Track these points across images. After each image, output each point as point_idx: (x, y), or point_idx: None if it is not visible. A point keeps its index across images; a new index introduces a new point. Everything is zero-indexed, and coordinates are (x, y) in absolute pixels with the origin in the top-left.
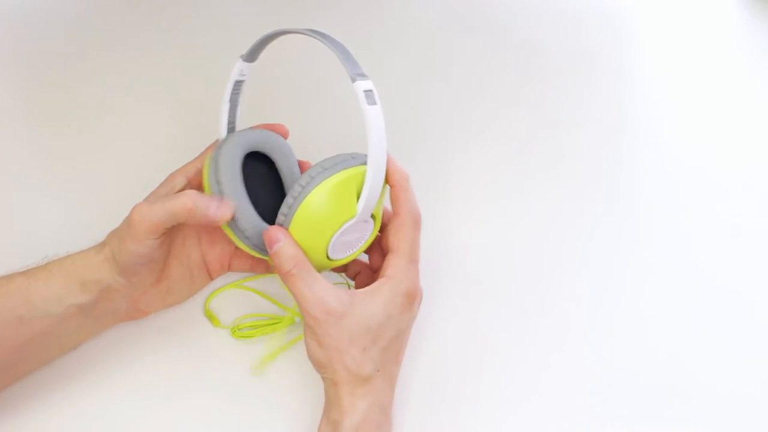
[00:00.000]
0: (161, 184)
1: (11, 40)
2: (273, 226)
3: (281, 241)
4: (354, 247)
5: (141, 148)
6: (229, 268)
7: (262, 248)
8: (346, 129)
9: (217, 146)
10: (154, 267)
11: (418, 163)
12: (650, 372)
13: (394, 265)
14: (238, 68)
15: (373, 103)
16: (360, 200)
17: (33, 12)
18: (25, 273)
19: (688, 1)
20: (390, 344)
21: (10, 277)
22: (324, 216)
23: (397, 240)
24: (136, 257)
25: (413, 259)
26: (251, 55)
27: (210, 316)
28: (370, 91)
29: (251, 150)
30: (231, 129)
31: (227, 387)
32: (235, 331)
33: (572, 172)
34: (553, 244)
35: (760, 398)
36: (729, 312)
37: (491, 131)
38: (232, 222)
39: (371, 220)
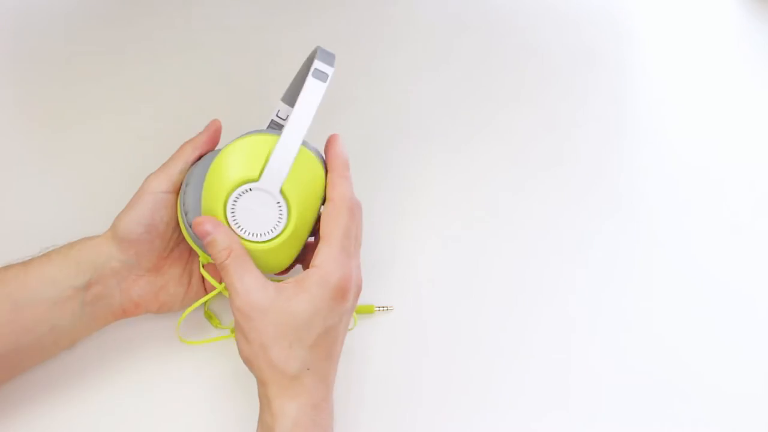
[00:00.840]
0: (173, 157)
1: (11, 40)
2: (203, 216)
3: (212, 232)
4: (265, 227)
5: (141, 148)
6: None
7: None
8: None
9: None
10: (154, 241)
11: (417, 162)
12: (650, 371)
13: (322, 255)
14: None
15: (320, 79)
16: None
17: (33, 12)
18: (24, 262)
19: (688, 1)
20: (319, 341)
21: (6, 267)
22: (225, 175)
23: (328, 228)
24: (138, 221)
25: (345, 249)
26: (291, 99)
27: (210, 317)
28: (325, 73)
29: None
30: None
31: (227, 387)
32: (234, 332)
33: (572, 172)
34: (552, 243)
35: (762, 397)
36: (730, 311)
37: (491, 131)
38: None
39: (284, 201)
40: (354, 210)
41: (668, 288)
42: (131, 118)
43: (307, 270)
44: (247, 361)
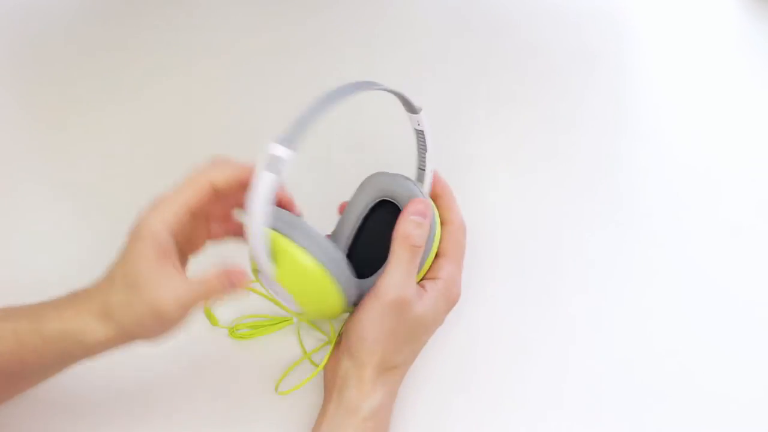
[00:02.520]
0: (183, 187)
1: (11, 40)
2: (423, 200)
3: (429, 218)
4: None
5: (141, 148)
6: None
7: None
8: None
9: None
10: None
11: (416, 162)
12: (650, 371)
13: (447, 269)
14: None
15: (275, 171)
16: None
17: (33, 12)
18: (16, 333)
19: (688, 1)
20: (422, 343)
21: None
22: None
23: (450, 245)
24: (159, 337)
25: (461, 266)
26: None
27: (209, 315)
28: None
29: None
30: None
31: (224, 387)
32: (233, 332)
33: (572, 172)
34: (552, 243)
35: (761, 398)
36: (729, 311)
37: (491, 131)
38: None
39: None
40: (465, 230)
41: (668, 287)
42: (131, 117)
43: (434, 281)
44: (362, 342)
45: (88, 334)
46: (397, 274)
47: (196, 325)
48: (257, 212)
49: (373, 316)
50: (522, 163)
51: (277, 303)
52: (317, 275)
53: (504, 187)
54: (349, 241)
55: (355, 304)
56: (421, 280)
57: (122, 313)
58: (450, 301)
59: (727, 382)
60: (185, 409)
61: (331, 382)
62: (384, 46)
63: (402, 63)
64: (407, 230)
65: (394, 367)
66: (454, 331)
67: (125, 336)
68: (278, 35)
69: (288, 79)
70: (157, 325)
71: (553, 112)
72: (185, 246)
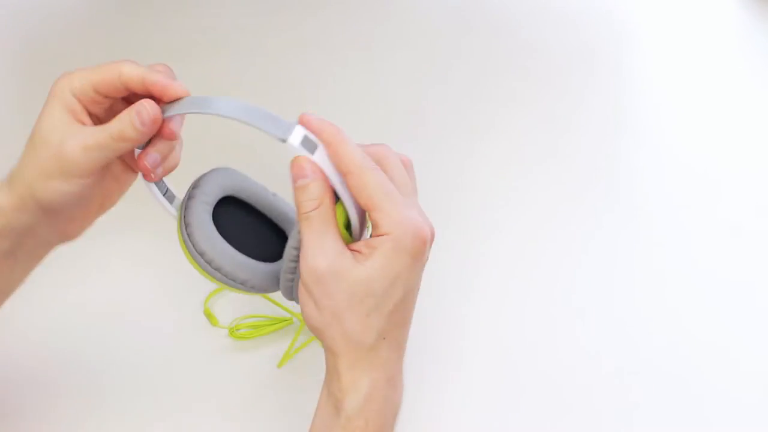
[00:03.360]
0: (49, 103)
1: (11, 40)
2: (304, 157)
3: (309, 176)
4: None
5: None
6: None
7: (246, 283)
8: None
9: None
10: (87, 202)
11: (418, 162)
12: (650, 370)
13: (383, 219)
14: None
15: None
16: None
17: (33, 13)
18: None
19: (688, 1)
20: (398, 307)
21: None
22: None
23: (366, 196)
24: (65, 197)
25: (397, 203)
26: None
27: (209, 315)
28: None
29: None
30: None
31: (224, 386)
32: (233, 332)
33: (571, 171)
34: (550, 242)
35: (760, 396)
36: (729, 310)
37: (491, 131)
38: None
39: None
40: (369, 166)
41: (667, 287)
42: None
43: (377, 238)
44: (316, 331)
45: None
46: (305, 252)
47: (196, 325)
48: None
49: (307, 302)
50: (522, 162)
51: (276, 303)
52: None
53: (504, 187)
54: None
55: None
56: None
57: (25, 172)
58: (415, 249)
59: (727, 381)
60: (185, 408)
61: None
62: (384, 46)
63: (402, 63)
64: (296, 201)
65: (372, 348)
66: (453, 330)
67: (29, 199)
68: (279, 35)
69: (288, 79)
70: (61, 172)
71: (553, 112)
72: (103, 120)
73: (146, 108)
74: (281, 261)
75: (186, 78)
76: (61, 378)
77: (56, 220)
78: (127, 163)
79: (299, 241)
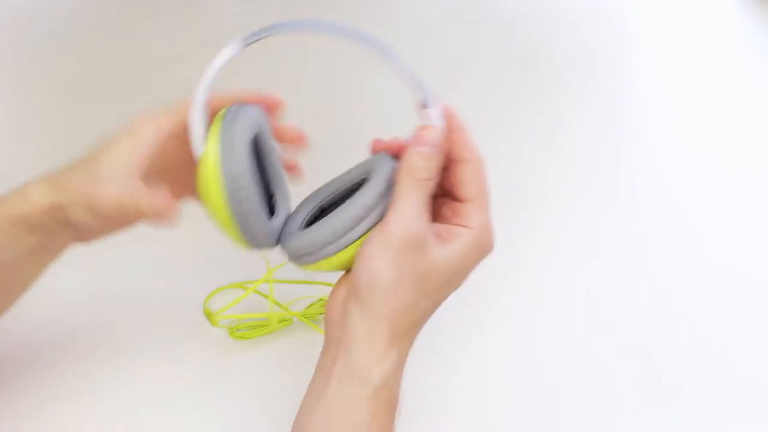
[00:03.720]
0: (127, 134)
1: (11, 41)
2: (434, 127)
3: (437, 149)
4: None
5: None
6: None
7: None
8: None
9: (226, 127)
10: (110, 226)
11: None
12: (650, 369)
13: (477, 218)
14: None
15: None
16: None
17: (33, 13)
18: None
19: (688, 1)
20: (443, 299)
21: None
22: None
23: (475, 189)
24: (87, 226)
25: (489, 211)
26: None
27: (208, 315)
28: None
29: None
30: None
31: (224, 386)
32: (233, 332)
33: (572, 170)
34: (551, 242)
35: (761, 397)
36: (729, 310)
37: (492, 131)
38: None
39: None
40: (483, 161)
41: (668, 286)
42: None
43: (462, 228)
44: (371, 285)
45: (28, 196)
46: (404, 211)
47: (195, 325)
48: (200, 92)
49: (382, 256)
50: (522, 162)
51: (277, 303)
52: (210, 167)
53: (503, 186)
54: (319, 202)
55: (272, 245)
56: (441, 224)
57: (74, 186)
58: (482, 253)
59: (728, 381)
60: (185, 409)
61: (336, 333)
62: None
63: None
64: (412, 163)
65: (412, 326)
66: (454, 330)
67: (67, 207)
68: (279, 36)
69: (289, 79)
70: (91, 209)
71: (554, 112)
72: (170, 167)
73: (162, 197)
74: (274, 218)
75: (186, 78)
76: (58, 376)
77: (80, 231)
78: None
79: (380, 201)
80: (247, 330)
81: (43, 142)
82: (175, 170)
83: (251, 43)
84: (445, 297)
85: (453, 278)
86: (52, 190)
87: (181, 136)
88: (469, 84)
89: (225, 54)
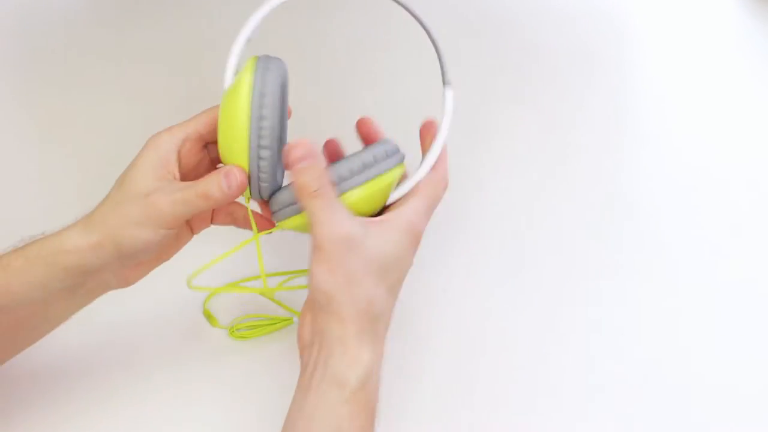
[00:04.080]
0: (145, 150)
1: (12, 41)
2: (302, 140)
3: (309, 158)
4: None
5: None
6: (212, 221)
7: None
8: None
9: (261, 65)
10: (160, 250)
11: (417, 162)
12: (651, 371)
13: (412, 204)
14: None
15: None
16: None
17: (33, 13)
18: (2, 264)
19: (688, 2)
20: (395, 286)
21: None
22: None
23: (426, 188)
24: (146, 245)
25: (429, 211)
26: None
27: (208, 316)
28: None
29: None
30: None
31: (224, 387)
32: (233, 332)
33: (573, 172)
34: (552, 242)
35: (762, 397)
36: (730, 310)
37: (492, 131)
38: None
39: None
40: (445, 187)
41: (668, 286)
42: (132, 117)
43: (394, 213)
44: (326, 296)
45: (65, 239)
46: (318, 223)
47: (195, 325)
48: (247, 27)
49: (322, 266)
50: (522, 162)
51: (277, 302)
52: (243, 93)
53: (504, 187)
54: None
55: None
56: (383, 212)
57: (109, 217)
58: (414, 239)
59: (729, 382)
60: (184, 409)
61: (311, 354)
62: (384, 47)
63: (403, 63)
64: (298, 183)
65: (376, 318)
66: (456, 330)
67: (108, 243)
68: (279, 37)
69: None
70: (149, 222)
71: (554, 112)
72: (189, 175)
73: (234, 173)
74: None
75: (186, 78)
76: (57, 377)
77: (124, 266)
78: (188, 222)
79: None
80: (247, 330)
81: (43, 142)
82: (190, 179)
83: None
84: (398, 282)
85: (397, 263)
86: (89, 228)
87: (194, 145)
88: (469, 84)
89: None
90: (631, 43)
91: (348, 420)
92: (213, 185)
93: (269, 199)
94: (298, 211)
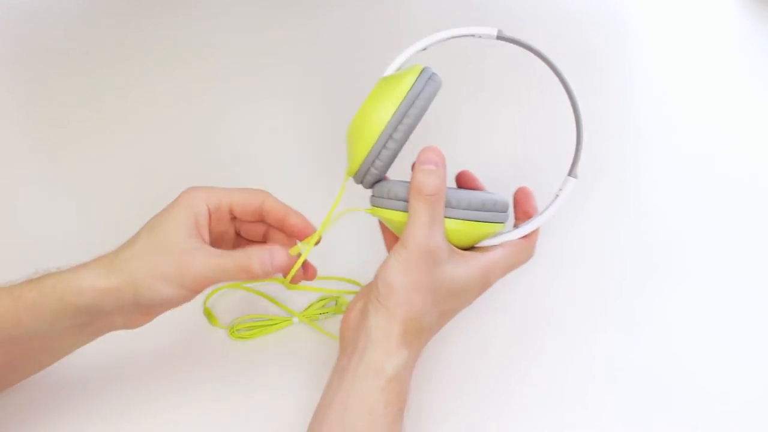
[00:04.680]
0: (178, 203)
1: (12, 41)
2: (438, 148)
3: (438, 165)
4: None
5: (142, 147)
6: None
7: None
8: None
9: (428, 74)
10: (176, 304)
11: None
12: (653, 371)
13: (498, 258)
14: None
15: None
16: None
17: (33, 13)
18: (12, 293)
19: (688, 2)
20: (449, 315)
21: None
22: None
23: (515, 249)
24: (167, 301)
25: (513, 265)
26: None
27: (208, 315)
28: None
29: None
30: None
31: (224, 386)
32: (233, 332)
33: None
34: (553, 243)
35: (761, 398)
36: (732, 311)
37: (493, 131)
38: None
39: None
40: (532, 253)
41: (670, 286)
42: (132, 117)
43: (478, 254)
44: (389, 289)
45: (83, 279)
46: (417, 225)
47: (195, 325)
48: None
49: (400, 263)
50: (523, 162)
51: (276, 303)
52: (403, 84)
53: (504, 187)
54: None
55: (370, 184)
56: (470, 248)
57: (135, 265)
58: (484, 284)
59: (730, 383)
60: (184, 408)
61: (352, 339)
62: (384, 47)
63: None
64: (417, 180)
65: (421, 329)
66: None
67: (129, 289)
68: (279, 35)
69: (289, 81)
70: (178, 282)
71: (554, 112)
72: (214, 243)
73: (279, 253)
74: None
75: (186, 78)
76: (57, 378)
77: (136, 312)
78: None
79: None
80: (247, 330)
81: (43, 142)
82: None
83: (501, 38)
84: (452, 312)
85: (458, 294)
86: (110, 270)
87: (225, 214)
88: (470, 84)
89: (468, 30)
90: (632, 43)
91: (383, 405)
92: (256, 261)
93: (371, 186)
94: (400, 208)
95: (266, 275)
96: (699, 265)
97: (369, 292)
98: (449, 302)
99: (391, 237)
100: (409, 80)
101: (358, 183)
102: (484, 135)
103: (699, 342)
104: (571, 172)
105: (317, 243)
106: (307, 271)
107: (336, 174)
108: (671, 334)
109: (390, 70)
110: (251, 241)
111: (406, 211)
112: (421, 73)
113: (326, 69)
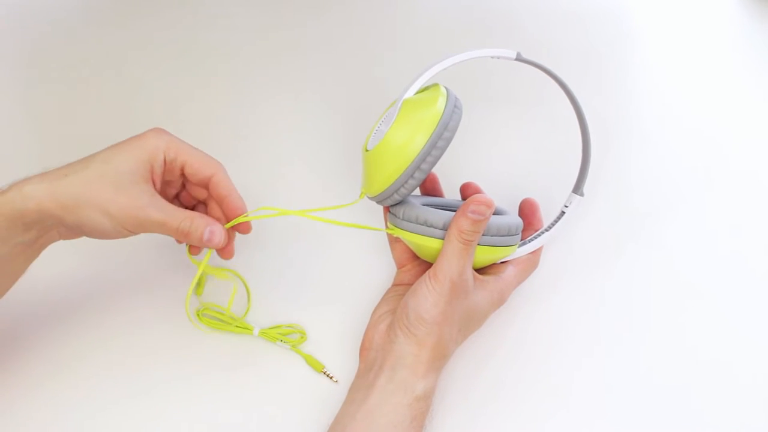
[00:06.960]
0: (134, 141)
1: (12, 41)
2: (488, 199)
3: (485, 216)
4: None
5: None
6: None
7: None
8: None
9: (455, 101)
10: (109, 237)
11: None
12: (654, 372)
13: (509, 277)
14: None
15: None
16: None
17: (34, 13)
18: None
19: (688, 2)
20: (467, 335)
21: None
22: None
23: (523, 265)
24: (102, 233)
25: (517, 285)
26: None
27: (200, 283)
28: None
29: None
30: None
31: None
32: (199, 314)
33: (574, 172)
34: (554, 242)
35: (762, 397)
36: (733, 311)
37: (494, 131)
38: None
39: None
40: (536, 265)
41: (671, 286)
42: (132, 117)
43: (493, 277)
44: (421, 320)
45: (25, 194)
46: (453, 261)
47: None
48: (443, 63)
49: (432, 295)
50: (524, 163)
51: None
52: (435, 111)
53: (504, 188)
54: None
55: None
56: (482, 269)
57: (81, 192)
58: (500, 303)
59: (732, 383)
60: (183, 407)
61: (377, 359)
62: (387, 46)
63: (405, 63)
64: (462, 225)
65: (446, 356)
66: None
67: (71, 213)
68: (281, 37)
69: (289, 81)
70: (120, 221)
71: (554, 112)
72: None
73: (219, 232)
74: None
75: (187, 77)
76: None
77: (73, 232)
78: None
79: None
80: (212, 319)
81: (43, 142)
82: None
83: (520, 60)
84: (471, 332)
85: (481, 318)
86: (55, 191)
87: (177, 169)
88: (470, 85)
89: (488, 51)
90: (632, 42)
91: (408, 420)
92: (196, 232)
93: (391, 207)
94: (431, 235)
95: (201, 247)
96: (700, 264)
97: (394, 316)
98: (471, 326)
99: (401, 250)
100: (437, 109)
101: (376, 203)
102: (491, 147)
103: (707, 348)
104: (577, 190)
105: (247, 233)
106: (224, 251)
107: (336, 174)
108: (682, 341)
109: (412, 91)
110: (191, 198)
111: (436, 238)
112: (448, 100)
113: (326, 70)
